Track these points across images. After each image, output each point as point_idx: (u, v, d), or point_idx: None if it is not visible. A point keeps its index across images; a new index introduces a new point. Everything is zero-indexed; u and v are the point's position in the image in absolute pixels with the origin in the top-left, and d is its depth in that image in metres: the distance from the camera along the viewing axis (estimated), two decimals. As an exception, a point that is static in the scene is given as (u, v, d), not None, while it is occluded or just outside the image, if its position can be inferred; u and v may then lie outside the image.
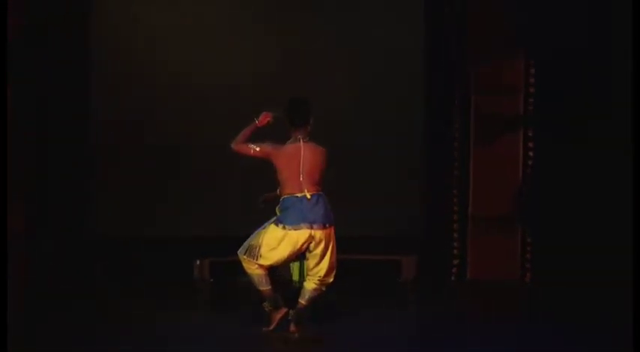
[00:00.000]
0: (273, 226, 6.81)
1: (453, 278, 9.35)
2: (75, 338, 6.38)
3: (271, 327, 6.90)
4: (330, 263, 6.85)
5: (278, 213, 6.86)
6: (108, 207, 9.17)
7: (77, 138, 9.02)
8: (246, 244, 6.84)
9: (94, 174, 9.14)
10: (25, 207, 8.53)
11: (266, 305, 6.88)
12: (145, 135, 9.17)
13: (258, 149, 6.82)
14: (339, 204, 7.88)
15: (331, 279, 6.89)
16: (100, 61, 9.04)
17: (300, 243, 6.77)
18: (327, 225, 6.79)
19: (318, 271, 6.85)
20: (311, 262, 6.86)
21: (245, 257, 6.82)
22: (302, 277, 6.97)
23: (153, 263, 9.01)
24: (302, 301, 6.89)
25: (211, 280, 8.77)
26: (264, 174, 6.96)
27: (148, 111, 9.14)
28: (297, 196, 6.77)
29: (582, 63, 8.74)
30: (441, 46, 9.28)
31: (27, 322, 6.83)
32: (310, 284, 6.86)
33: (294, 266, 7.03)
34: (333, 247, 6.85)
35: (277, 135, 6.88)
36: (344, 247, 8.63)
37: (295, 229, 6.74)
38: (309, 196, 6.75)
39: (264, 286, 6.84)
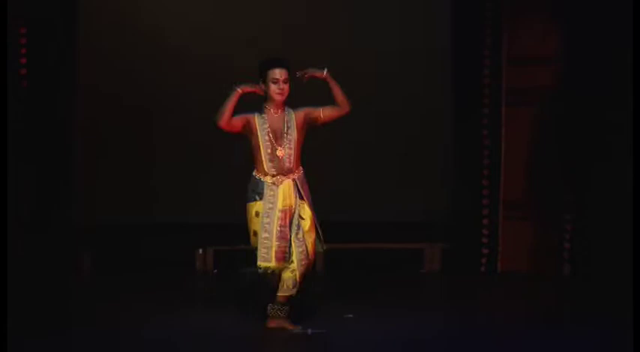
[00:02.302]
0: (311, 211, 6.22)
1: (482, 269, 8.86)
2: (75, 339, 6.10)
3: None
4: None
5: (302, 190, 6.20)
6: (109, 194, 8.85)
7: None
8: (316, 243, 6.20)
9: (94, 166, 8.86)
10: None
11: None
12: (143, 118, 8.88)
13: None
14: (356, 187, 8.64)
15: None
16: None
17: None
18: None
19: None
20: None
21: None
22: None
23: (152, 252, 8.75)
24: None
25: (215, 271, 8.62)
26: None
27: (141, 92, 8.86)
28: None
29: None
30: (471, 10, 8.84)
31: (27, 323, 6.50)
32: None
33: None
34: None
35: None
36: (360, 235, 8.77)
37: None
38: None
39: None
